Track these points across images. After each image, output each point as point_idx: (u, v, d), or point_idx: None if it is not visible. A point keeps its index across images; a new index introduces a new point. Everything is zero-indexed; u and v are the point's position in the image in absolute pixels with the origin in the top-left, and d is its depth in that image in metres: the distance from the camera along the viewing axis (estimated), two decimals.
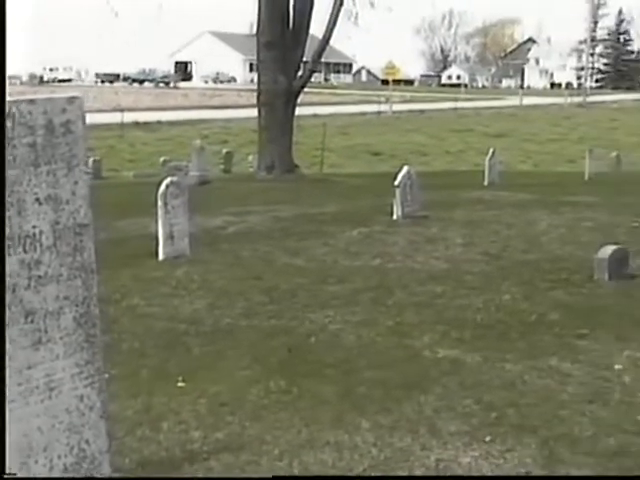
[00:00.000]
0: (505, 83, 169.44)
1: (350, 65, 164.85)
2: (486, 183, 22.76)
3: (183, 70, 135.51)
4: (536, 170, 35.57)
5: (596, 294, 9.37)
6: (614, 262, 9.85)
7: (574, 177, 28.25)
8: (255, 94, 27.66)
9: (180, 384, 6.46)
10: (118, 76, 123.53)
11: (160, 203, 11.20)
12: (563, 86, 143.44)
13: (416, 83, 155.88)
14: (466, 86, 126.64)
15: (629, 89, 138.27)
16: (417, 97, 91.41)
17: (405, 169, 14.43)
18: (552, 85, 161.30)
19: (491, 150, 24.08)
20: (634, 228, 13.47)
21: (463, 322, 8.26)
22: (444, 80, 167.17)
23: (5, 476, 3.69)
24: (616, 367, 6.90)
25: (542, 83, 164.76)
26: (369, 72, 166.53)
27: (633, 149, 39.05)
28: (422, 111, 70.81)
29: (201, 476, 5.00)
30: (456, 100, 78.31)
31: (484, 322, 8.29)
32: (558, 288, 9.64)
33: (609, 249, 9.96)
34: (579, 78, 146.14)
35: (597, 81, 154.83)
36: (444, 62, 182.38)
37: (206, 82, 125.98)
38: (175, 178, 12.06)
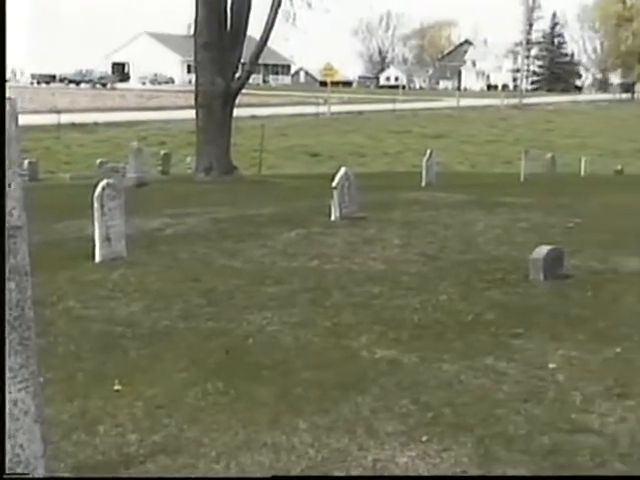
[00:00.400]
0: (442, 84, 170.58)
1: (288, 66, 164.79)
2: (424, 184, 22.90)
3: (120, 71, 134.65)
4: (473, 171, 35.93)
5: (531, 294, 9.47)
6: (549, 262, 9.96)
7: (510, 178, 28.57)
8: (193, 95, 27.60)
9: (117, 387, 6.42)
10: (54, 77, 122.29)
11: (96, 205, 11.11)
12: (499, 88, 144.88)
13: (354, 84, 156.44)
14: (404, 87, 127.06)
15: (564, 91, 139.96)
16: (355, 98, 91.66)
17: (343, 170, 14.47)
18: (489, 87, 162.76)
19: (428, 151, 24.24)
20: (568, 228, 13.63)
21: (400, 322, 8.30)
22: (382, 82, 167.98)
23: (5, 476, 3.66)
24: (550, 366, 6.98)
25: (479, 85, 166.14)
26: (307, 73, 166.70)
27: (568, 150, 39.57)
28: (360, 112, 71.11)
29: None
30: (394, 102, 78.68)
31: (421, 322, 8.34)
32: (494, 288, 9.72)
33: (544, 249, 10.06)
34: (515, 80, 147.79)
35: (532, 83, 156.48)
36: (382, 64, 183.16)
37: (143, 83, 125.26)
38: (111, 180, 11.99)
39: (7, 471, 3.87)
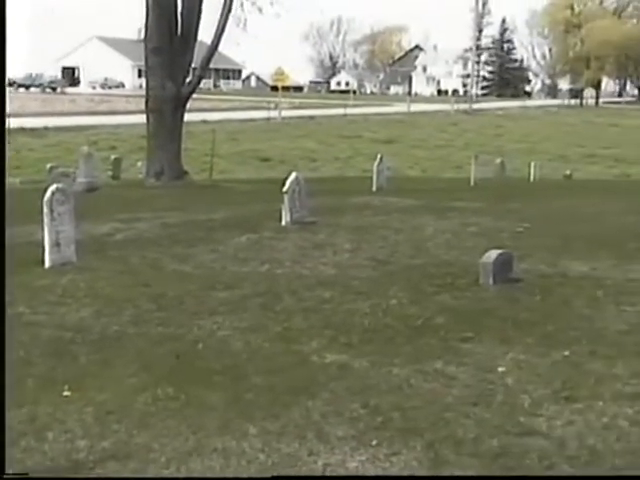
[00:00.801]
0: (393, 90, 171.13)
1: (239, 71, 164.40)
2: (374, 189, 22.92)
3: (70, 75, 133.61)
4: (424, 176, 36.02)
5: (481, 298, 9.53)
6: (498, 266, 10.03)
7: (460, 183, 28.69)
8: (143, 100, 27.47)
9: (66, 393, 6.39)
10: None
11: (46, 210, 11.04)
12: (450, 93, 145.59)
13: (305, 89, 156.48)
14: (355, 92, 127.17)
15: (513, 96, 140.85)
16: (306, 103, 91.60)
17: (293, 175, 14.48)
18: (439, 92, 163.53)
19: (379, 156, 24.27)
20: (518, 233, 13.73)
21: (351, 327, 8.32)
22: (333, 86, 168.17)
23: (5, 476, 3.65)
24: (499, 369, 7.04)
25: (429, 90, 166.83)
26: (258, 78, 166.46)
27: (517, 155, 39.82)
28: (311, 117, 70.98)
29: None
30: (345, 107, 78.72)
31: (371, 327, 8.37)
32: (444, 292, 9.77)
33: (494, 254, 10.14)
34: (465, 85, 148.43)
35: (482, 88, 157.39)
36: (333, 69, 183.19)
37: (94, 88, 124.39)
38: (61, 185, 11.90)
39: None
